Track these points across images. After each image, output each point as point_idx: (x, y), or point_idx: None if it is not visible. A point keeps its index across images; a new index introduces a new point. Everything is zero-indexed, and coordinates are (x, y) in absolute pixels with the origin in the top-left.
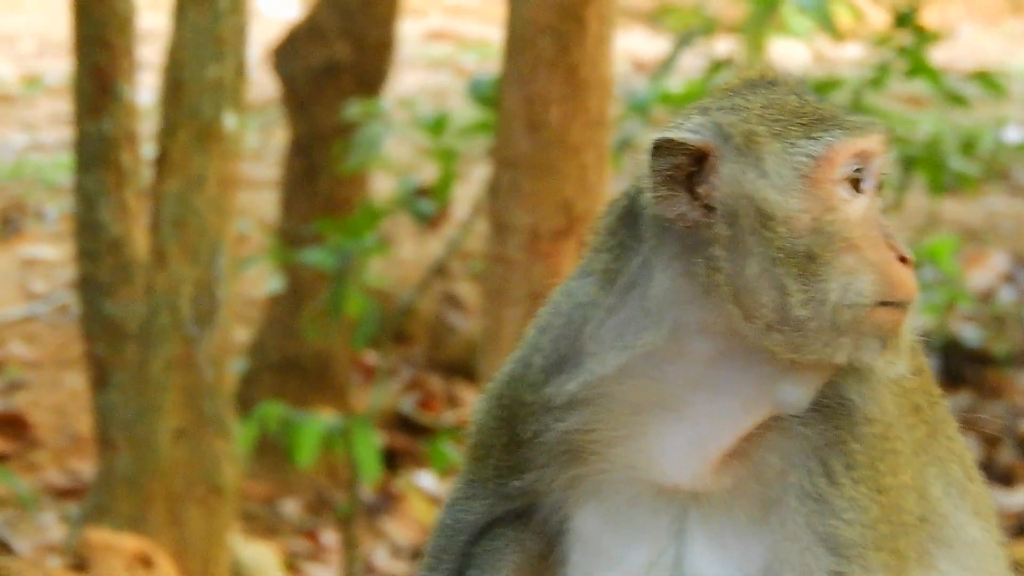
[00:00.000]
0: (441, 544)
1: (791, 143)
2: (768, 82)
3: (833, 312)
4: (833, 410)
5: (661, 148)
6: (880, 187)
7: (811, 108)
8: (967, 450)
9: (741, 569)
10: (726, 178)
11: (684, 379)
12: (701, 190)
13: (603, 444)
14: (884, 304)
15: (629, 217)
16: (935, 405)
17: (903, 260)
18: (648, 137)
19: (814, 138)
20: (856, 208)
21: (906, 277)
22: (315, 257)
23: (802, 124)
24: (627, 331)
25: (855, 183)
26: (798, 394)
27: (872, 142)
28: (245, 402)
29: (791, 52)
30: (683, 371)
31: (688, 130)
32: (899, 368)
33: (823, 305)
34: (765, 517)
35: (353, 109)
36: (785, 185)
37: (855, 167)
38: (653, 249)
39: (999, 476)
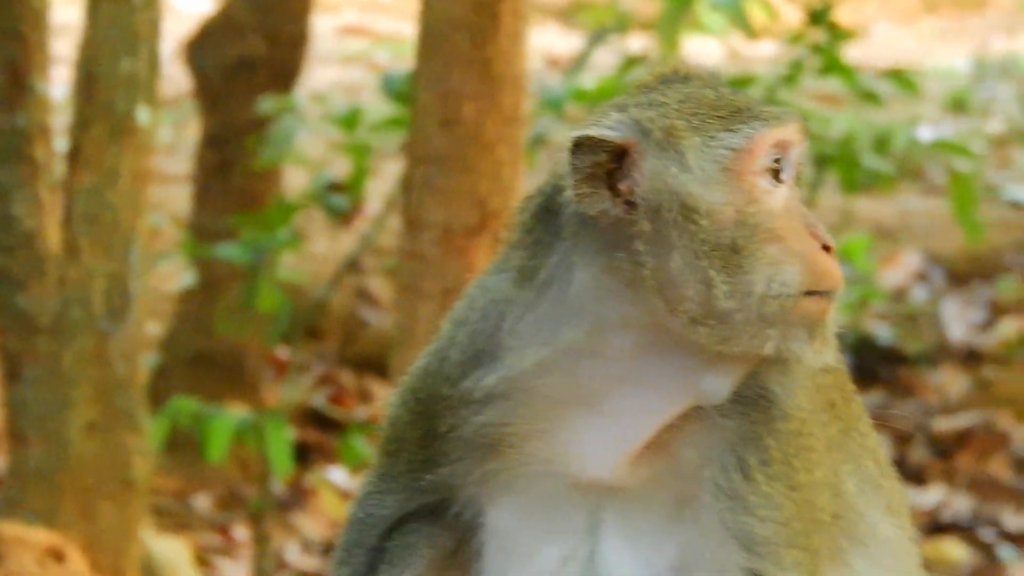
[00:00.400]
0: (353, 538)
1: (711, 136)
2: (683, 77)
3: (759, 303)
4: (751, 403)
5: (581, 145)
6: (799, 176)
7: (728, 101)
8: (881, 447)
9: (654, 565)
10: (648, 174)
11: (604, 374)
12: (623, 186)
13: (520, 438)
14: (810, 294)
15: (546, 213)
16: (849, 402)
17: (826, 249)
18: (567, 134)
19: (733, 130)
20: (778, 198)
21: (831, 266)
22: (228, 252)
23: (720, 117)
24: (546, 327)
25: (775, 173)
26: (720, 385)
27: (789, 132)
28: (157, 396)
29: (705, 49)
30: (603, 366)
31: (607, 127)
32: (826, 357)
33: (749, 296)
34: (680, 513)
35: (266, 104)
36: (707, 178)
37: (774, 157)
38: (573, 245)
39: (911, 474)
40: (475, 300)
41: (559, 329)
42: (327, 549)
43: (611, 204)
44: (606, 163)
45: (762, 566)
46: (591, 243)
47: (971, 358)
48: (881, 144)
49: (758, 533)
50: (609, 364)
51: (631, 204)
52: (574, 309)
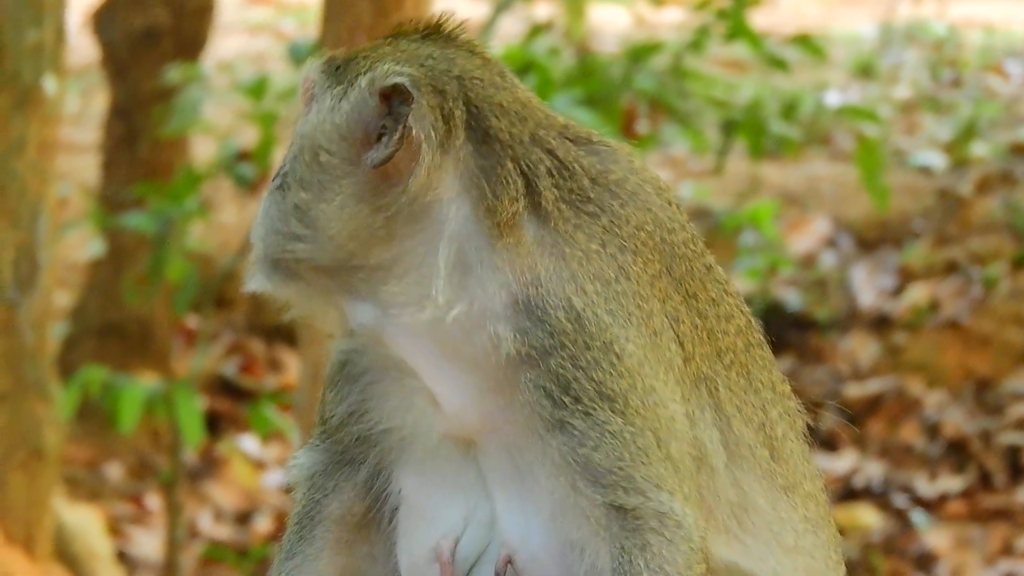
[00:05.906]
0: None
1: None
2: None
3: None
4: (521, 335)
5: None
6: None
7: None
8: (791, 438)
9: (536, 515)
10: None
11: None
12: None
13: (389, 411)
14: None
15: None
16: (729, 366)
17: None
18: None
19: None
20: None
21: None
22: (136, 221)
23: None
24: None
25: None
26: (350, 314)
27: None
28: (67, 366)
29: (611, 16)
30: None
31: None
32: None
33: None
34: (529, 461)
35: (173, 73)
36: None
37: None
38: None
39: (822, 441)
40: None
41: None
42: (240, 518)
43: None
44: None
45: (616, 496)
46: None
47: (881, 324)
48: (788, 110)
49: (598, 462)
50: None
51: None
52: None
